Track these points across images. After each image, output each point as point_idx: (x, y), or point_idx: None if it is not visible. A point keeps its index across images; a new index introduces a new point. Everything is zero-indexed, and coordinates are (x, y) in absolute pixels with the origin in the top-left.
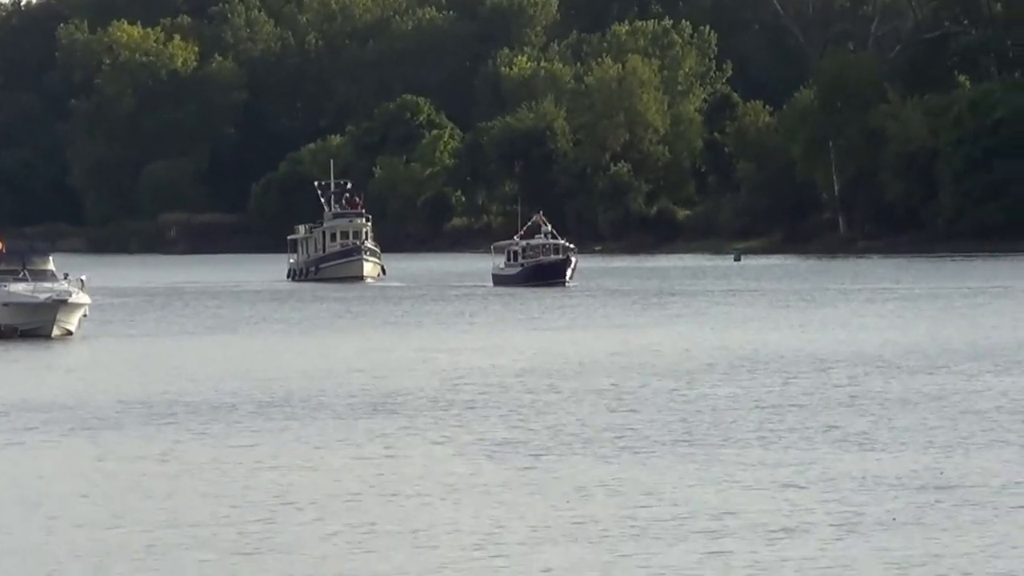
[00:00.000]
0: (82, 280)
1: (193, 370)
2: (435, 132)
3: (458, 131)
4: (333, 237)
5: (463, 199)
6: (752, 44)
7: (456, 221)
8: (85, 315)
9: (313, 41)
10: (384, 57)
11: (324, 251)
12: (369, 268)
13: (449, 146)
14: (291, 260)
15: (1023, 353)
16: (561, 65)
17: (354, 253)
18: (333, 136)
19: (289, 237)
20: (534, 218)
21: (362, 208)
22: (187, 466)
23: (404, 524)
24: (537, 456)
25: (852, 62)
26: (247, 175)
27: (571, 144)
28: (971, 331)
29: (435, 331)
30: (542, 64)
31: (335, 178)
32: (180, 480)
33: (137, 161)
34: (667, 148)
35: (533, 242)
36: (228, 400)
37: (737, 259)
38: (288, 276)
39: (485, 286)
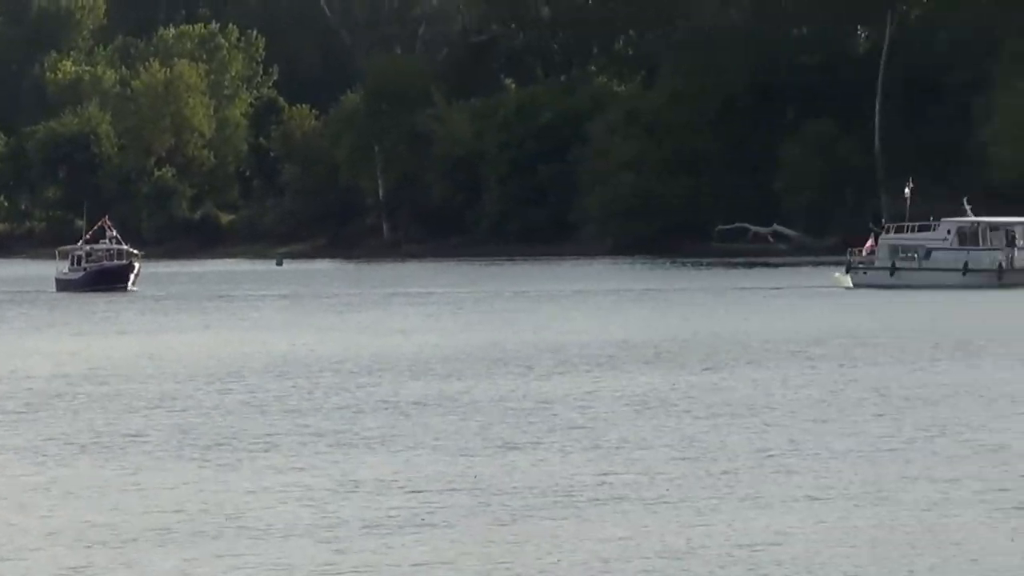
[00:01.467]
0: None
1: None
2: None
3: (2, 136)
4: None
5: (6, 204)
6: (300, 47)
7: None
8: None
9: None
10: None
11: None
12: None
13: None
14: None
15: (557, 356)
16: (107, 69)
17: None
18: None
19: None
20: (100, 223)
21: None
22: None
23: None
24: (48, 460)
25: (398, 65)
26: None
27: (116, 149)
28: (496, 336)
29: None
30: (87, 68)
31: None
32: None
33: None
34: (212, 153)
35: (97, 247)
36: None
37: (279, 263)
38: None
39: (48, 291)
